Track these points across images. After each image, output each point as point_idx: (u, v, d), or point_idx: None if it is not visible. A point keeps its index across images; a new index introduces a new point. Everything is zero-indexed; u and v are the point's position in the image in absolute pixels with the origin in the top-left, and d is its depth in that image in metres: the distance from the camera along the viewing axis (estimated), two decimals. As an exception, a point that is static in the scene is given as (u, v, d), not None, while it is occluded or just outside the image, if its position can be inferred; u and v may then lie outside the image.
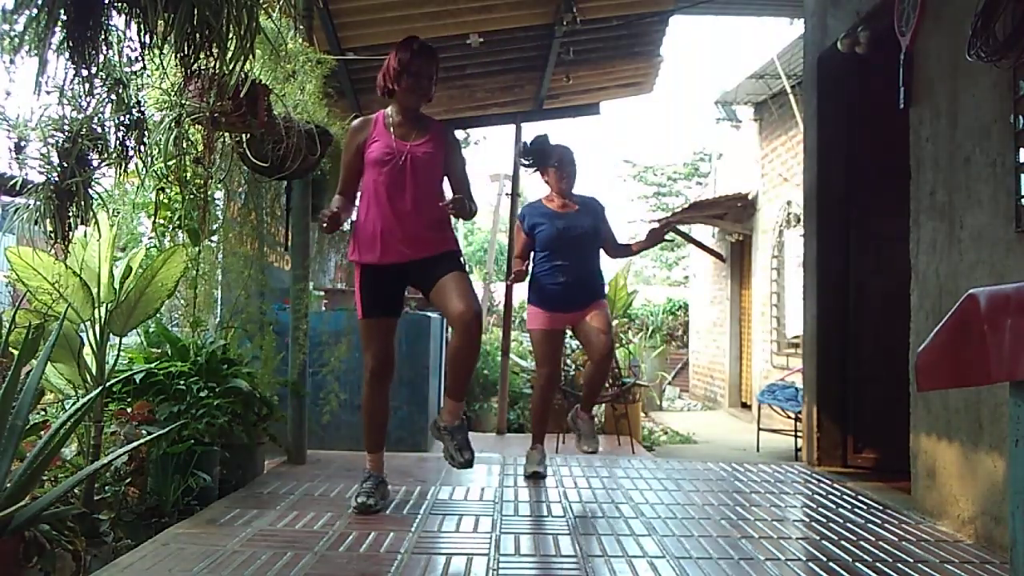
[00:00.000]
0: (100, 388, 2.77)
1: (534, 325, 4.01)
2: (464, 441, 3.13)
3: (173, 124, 2.71)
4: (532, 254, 4.03)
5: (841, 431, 4.50)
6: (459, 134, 6.45)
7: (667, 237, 4.20)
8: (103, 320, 2.91)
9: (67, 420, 2.45)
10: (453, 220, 3.46)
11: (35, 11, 1.94)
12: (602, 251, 4.08)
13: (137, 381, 3.27)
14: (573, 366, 8.18)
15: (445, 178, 3.25)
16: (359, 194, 3.23)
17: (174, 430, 3.01)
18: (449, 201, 3.07)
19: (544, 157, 4.01)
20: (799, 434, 5.74)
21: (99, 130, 2.36)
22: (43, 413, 2.95)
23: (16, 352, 2.48)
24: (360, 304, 3.17)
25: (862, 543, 2.80)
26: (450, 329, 3.38)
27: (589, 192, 4.15)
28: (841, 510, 3.33)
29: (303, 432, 4.20)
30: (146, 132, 2.49)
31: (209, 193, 3.46)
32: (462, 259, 3.29)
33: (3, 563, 2.12)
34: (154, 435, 2.85)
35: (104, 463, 2.74)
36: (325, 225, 2.99)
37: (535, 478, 3.84)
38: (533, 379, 8.95)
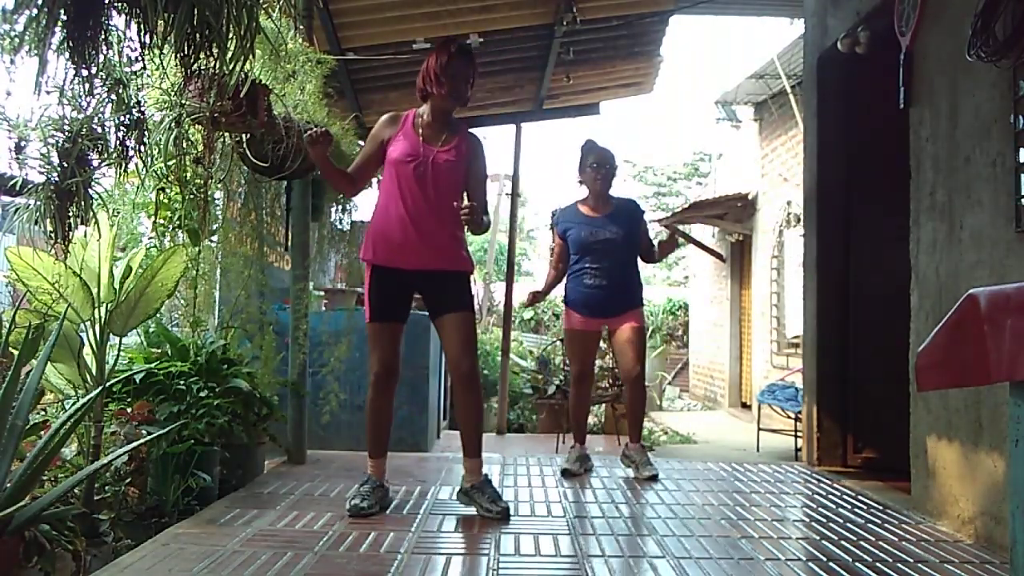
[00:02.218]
0: (100, 388, 2.77)
1: (567, 325, 4.07)
2: (495, 492, 3.09)
3: (173, 124, 2.71)
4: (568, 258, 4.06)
5: (841, 431, 4.50)
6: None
7: (679, 241, 4.17)
8: (103, 320, 2.91)
9: (67, 420, 2.45)
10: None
11: (35, 11, 1.93)
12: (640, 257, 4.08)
13: (137, 381, 3.27)
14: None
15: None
16: (379, 193, 3.17)
17: (174, 430, 3.01)
18: (465, 206, 2.98)
19: (582, 158, 4.02)
20: (799, 434, 5.74)
21: (99, 130, 2.36)
22: (43, 413, 2.95)
23: (16, 352, 2.48)
24: (368, 307, 3.13)
25: (862, 543, 2.80)
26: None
27: (626, 196, 4.15)
28: (841, 510, 3.33)
29: (303, 432, 4.20)
30: (146, 132, 2.49)
31: (209, 193, 3.45)
32: (472, 279, 3.27)
33: (3, 563, 2.12)
34: (154, 435, 2.85)
35: (104, 463, 2.74)
36: (311, 136, 2.93)
37: (565, 475, 3.91)
38: (533, 379, 8.95)
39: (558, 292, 4.26)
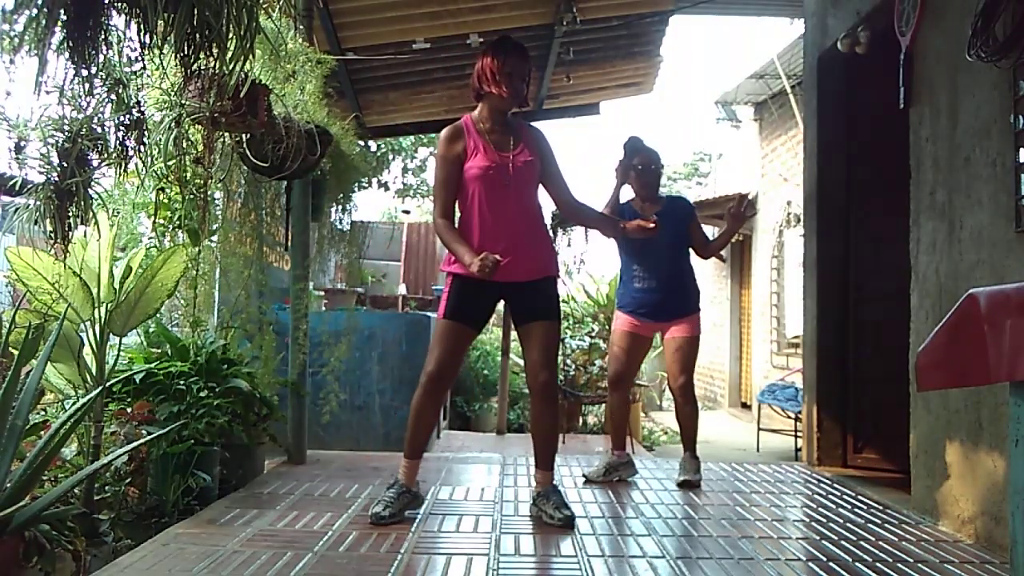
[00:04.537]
0: (100, 388, 2.77)
1: (617, 325, 3.92)
2: (561, 500, 3.00)
3: (173, 124, 2.71)
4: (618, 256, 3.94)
5: (841, 431, 4.50)
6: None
7: (749, 211, 3.90)
8: (103, 320, 2.91)
9: (67, 420, 2.45)
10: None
11: (35, 11, 1.93)
12: (693, 253, 3.95)
13: (137, 381, 3.27)
14: (573, 366, 8.18)
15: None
16: (459, 210, 3.06)
17: (174, 430, 3.01)
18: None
19: (626, 157, 3.88)
20: (799, 434, 5.74)
21: (99, 130, 2.36)
22: (43, 413, 2.95)
23: (16, 352, 2.48)
24: (445, 305, 3.01)
25: (862, 543, 2.80)
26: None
27: (671, 194, 3.99)
28: (841, 510, 3.33)
29: (303, 432, 4.20)
30: (146, 132, 2.49)
31: (209, 193, 3.45)
32: (559, 281, 3.19)
33: (3, 563, 2.12)
34: (154, 435, 2.85)
35: (104, 463, 2.74)
36: (488, 271, 2.78)
37: (587, 483, 3.77)
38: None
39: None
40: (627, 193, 3.96)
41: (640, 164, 3.85)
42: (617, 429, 3.96)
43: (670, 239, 3.79)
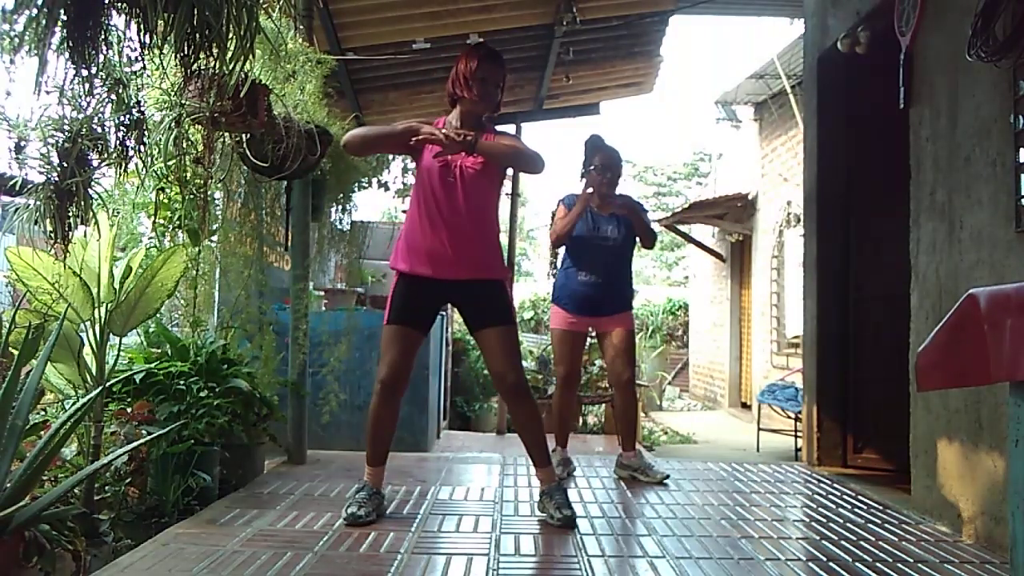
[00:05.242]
0: (100, 388, 2.77)
1: (555, 324, 4.00)
2: (563, 499, 3.00)
3: (173, 124, 2.71)
4: (563, 250, 3.99)
5: (841, 431, 4.50)
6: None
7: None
8: (103, 320, 2.91)
9: (67, 420, 2.45)
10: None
11: (35, 11, 1.93)
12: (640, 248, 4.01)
13: (137, 381, 3.27)
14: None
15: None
16: (410, 201, 3.07)
17: (174, 430, 3.01)
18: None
19: (587, 156, 3.92)
20: (799, 434, 5.74)
21: (99, 130, 2.35)
22: (43, 413, 2.95)
23: (16, 352, 2.47)
24: (389, 309, 3.04)
25: (862, 543, 2.80)
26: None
27: (625, 193, 4.03)
28: (841, 510, 3.33)
29: (303, 432, 4.20)
30: (146, 132, 2.49)
31: (209, 193, 3.45)
32: (508, 286, 3.18)
33: (3, 563, 2.12)
34: (154, 435, 2.85)
35: (104, 463, 2.74)
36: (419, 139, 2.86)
37: None
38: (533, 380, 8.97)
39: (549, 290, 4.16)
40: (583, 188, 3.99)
41: (600, 162, 3.88)
42: (564, 428, 4.07)
43: (621, 239, 3.89)
